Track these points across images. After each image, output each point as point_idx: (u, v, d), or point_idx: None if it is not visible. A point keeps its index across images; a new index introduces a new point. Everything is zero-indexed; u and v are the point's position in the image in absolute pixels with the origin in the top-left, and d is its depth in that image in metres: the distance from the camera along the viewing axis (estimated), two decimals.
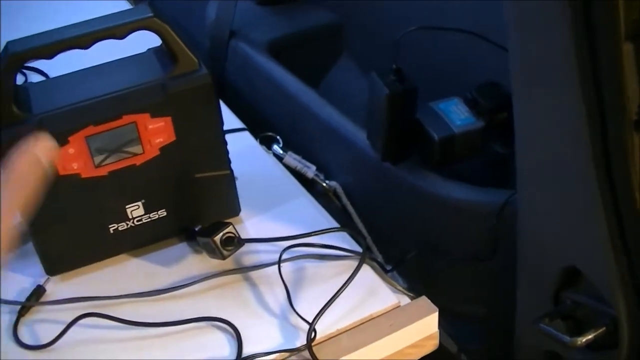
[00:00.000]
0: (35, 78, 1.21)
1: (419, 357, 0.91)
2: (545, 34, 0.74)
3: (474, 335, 1.20)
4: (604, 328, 0.80)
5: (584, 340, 0.79)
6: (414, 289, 0.93)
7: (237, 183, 0.99)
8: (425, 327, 0.89)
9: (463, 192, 1.11)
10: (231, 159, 0.97)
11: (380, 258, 1.00)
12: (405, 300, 0.91)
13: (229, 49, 1.55)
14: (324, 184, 1.28)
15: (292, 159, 1.28)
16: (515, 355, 0.96)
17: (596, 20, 0.69)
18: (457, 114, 1.10)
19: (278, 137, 1.31)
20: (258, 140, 1.18)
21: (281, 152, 1.29)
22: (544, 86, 0.77)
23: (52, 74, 1.17)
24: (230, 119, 1.14)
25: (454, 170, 1.14)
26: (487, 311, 1.15)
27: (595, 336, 0.79)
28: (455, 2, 1.27)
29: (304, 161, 1.29)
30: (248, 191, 1.01)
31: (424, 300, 0.90)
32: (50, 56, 0.86)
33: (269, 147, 1.28)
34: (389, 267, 0.97)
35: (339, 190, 1.27)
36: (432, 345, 0.91)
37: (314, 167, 1.28)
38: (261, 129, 1.27)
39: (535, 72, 0.78)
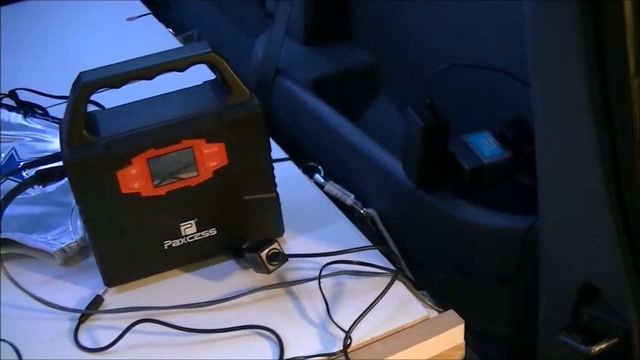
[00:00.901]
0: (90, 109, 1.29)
1: None
2: (561, 68, 0.81)
3: (500, 354, 1.25)
4: (617, 339, 0.86)
5: (597, 349, 0.85)
6: (443, 307, 0.99)
7: (282, 207, 1.05)
8: (453, 337, 0.95)
9: (491, 218, 1.17)
10: (277, 185, 1.03)
11: (412, 277, 1.07)
12: (434, 314, 0.97)
13: (275, 85, 1.63)
14: (362, 211, 1.34)
15: (332, 187, 1.35)
16: None
17: (608, 57, 0.76)
18: (487, 146, 1.16)
19: (319, 167, 1.38)
20: (301, 169, 1.25)
21: (322, 180, 1.36)
22: (560, 116, 0.84)
23: (107, 105, 1.25)
24: (275, 150, 1.18)
25: (484, 198, 1.21)
26: (512, 330, 1.21)
27: (608, 346, 0.86)
28: (486, 41, 1.33)
29: (343, 190, 1.36)
30: (291, 214, 1.07)
31: (451, 313, 0.96)
32: (118, 85, 0.94)
33: (311, 176, 1.35)
34: (420, 286, 1.03)
35: (376, 216, 1.34)
36: (458, 356, 0.97)
37: (352, 196, 1.35)
38: (304, 160, 1.34)
39: (553, 104, 0.85)
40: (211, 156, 0.97)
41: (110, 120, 0.98)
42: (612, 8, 0.74)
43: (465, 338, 0.97)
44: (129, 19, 1.72)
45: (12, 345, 0.95)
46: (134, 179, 0.96)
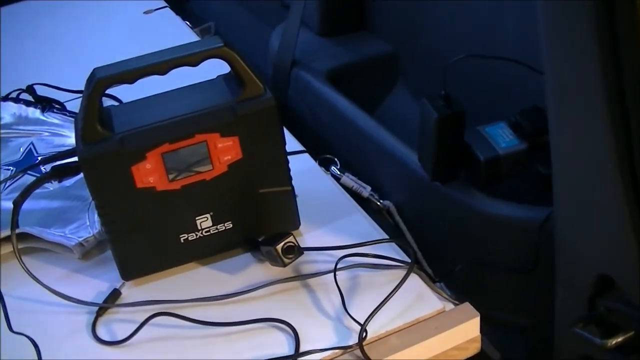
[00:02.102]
0: (107, 102, 1.29)
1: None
2: (575, 57, 0.80)
3: (518, 345, 1.25)
4: (633, 332, 0.85)
5: (614, 342, 0.85)
6: (460, 298, 0.99)
7: (297, 200, 1.05)
8: (468, 330, 0.95)
9: (507, 209, 1.17)
10: (292, 177, 1.04)
11: (428, 269, 1.07)
12: (450, 306, 0.97)
13: (291, 76, 1.63)
14: (378, 203, 1.34)
15: (348, 179, 1.35)
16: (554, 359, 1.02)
17: (621, 45, 0.75)
18: (502, 137, 1.16)
19: (336, 159, 1.38)
20: (317, 162, 1.25)
21: (338, 173, 1.36)
22: (574, 106, 0.84)
23: (124, 99, 1.26)
24: (291, 142, 1.20)
25: (500, 189, 1.20)
26: (530, 321, 1.20)
27: (625, 339, 0.85)
28: (504, 31, 1.33)
29: (359, 182, 1.36)
30: (307, 207, 1.08)
31: (467, 306, 0.96)
32: (132, 81, 0.94)
33: (327, 168, 1.35)
34: (437, 279, 1.03)
35: (392, 208, 1.34)
36: (474, 349, 0.97)
37: (369, 187, 1.35)
38: (320, 151, 1.34)
39: (567, 95, 0.85)
40: (225, 150, 0.98)
41: (124, 115, 0.99)
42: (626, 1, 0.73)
43: (482, 330, 0.97)
44: (146, 12, 1.73)
45: (30, 338, 0.96)
46: (149, 173, 0.96)
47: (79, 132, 0.95)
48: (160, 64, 0.95)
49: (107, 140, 0.95)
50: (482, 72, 1.33)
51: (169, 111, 0.97)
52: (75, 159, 0.97)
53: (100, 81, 0.93)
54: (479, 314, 0.95)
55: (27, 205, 1.03)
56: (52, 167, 1.03)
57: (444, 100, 1.15)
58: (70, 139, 1.26)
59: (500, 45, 1.32)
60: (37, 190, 1.04)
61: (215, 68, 1.00)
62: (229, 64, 0.97)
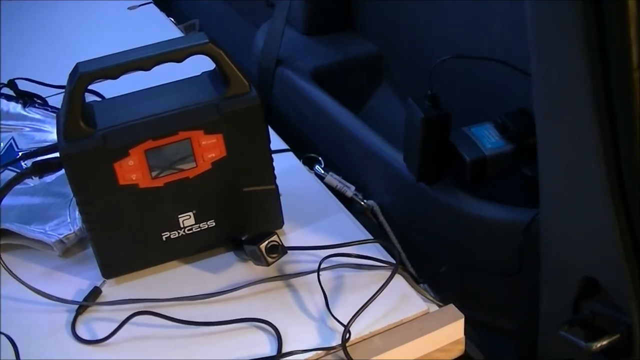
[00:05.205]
0: (90, 98, 1.29)
1: None
2: (563, 61, 0.80)
3: (502, 347, 1.25)
4: (618, 335, 0.85)
5: (598, 345, 0.84)
6: (444, 300, 0.98)
7: (281, 199, 1.05)
8: (452, 332, 0.94)
9: (492, 211, 1.17)
10: (276, 176, 1.03)
11: (412, 270, 1.06)
12: (434, 308, 0.96)
13: (276, 75, 1.63)
14: (362, 203, 1.34)
15: (332, 178, 1.35)
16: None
17: (610, 49, 0.75)
18: (488, 138, 1.16)
19: (320, 158, 1.38)
20: (301, 161, 1.24)
21: (322, 172, 1.36)
22: (562, 109, 0.84)
23: (107, 95, 1.26)
24: (275, 141, 1.19)
25: (486, 191, 1.20)
26: (515, 323, 1.20)
27: (609, 342, 0.85)
28: (490, 32, 1.32)
29: (343, 181, 1.35)
30: (291, 206, 1.07)
31: (451, 308, 0.96)
32: (116, 76, 0.93)
33: (311, 168, 1.35)
34: (421, 280, 1.03)
35: (376, 208, 1.33)
36: (458, 351, 0.96)
37: (353, 187, 1.35)
38: (304, 150, 1.34)
39: (554, 97, 0.84)
40: (209, 148, 0.97)
41: (107, 111, 0.98)
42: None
43: (467, 331, 0.97)
44: (130, 8, 1.72)
45: (8, 337, 0.95)
46: (132, 170, 0.95)
47: (60, 128, 0.94)
48: (144, 59, 0.94)
49: (90, 137, 0.94)
50: (469, 73, 1.33)
51: (153, 108, 0.97)
52: (57, 155, 0.96)
53: (83, 76, 0.92)
54: (463, 315, 0.95)
55: (7, 201, 1.02)
56: (33, 163, 1.01)
57: (429, 101, 1.15)
58: (52, 135, 1.24)
59: (487, 46, 1.32)
60: (18, 186, 1.03)
61: (199, 65, 0.99)
62: (214, 61, 0.97)
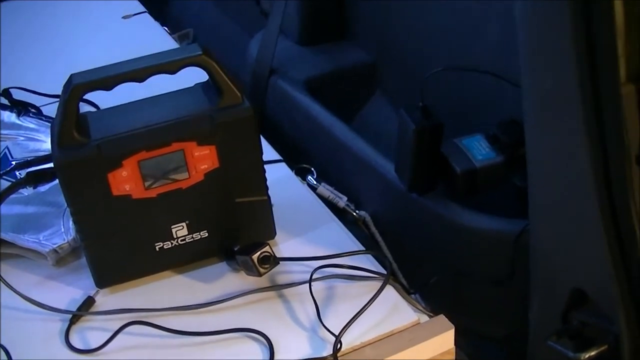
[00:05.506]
0: (85, 108, 1.28)
1: None
2: (553, 74, 0.81)
3: (494, 356, 1.26)
4: (606, 345, 0.86)
5: (587, 356, 0.85)
6: (435, 310, 0.99)
7: (274, 209, 1.05)
8: (443, 342, 0.95)
9: (483, 222, 1.17)
10: (269, 187, 1.04)
11: (403, 281, 1.07)
12: (424, 318, 0.97)
13: (269, 85, 1.63)
14: (354, 214, 1.34)
15: (325, 189, 1.35)
16: None
17: (599, 63, 0.76)
18: (479, 149, 1.17)
19: (312, 168, 1.38)
20: (294, 171, 1.25)
21: (315, 182, 1.36)
22: (552, 122, 0.84)
23: (101, 104, 1.26)
24: (268, 151, 1.20)
25: (477, 201, 1.21)
26: (505, 332, 1.21)
27: (598, 353, 0.85)
28: (484, 43, 1.33)
29: (336, 192, 1.36)
30: (283, 217, 1.08)
31: (441, 318, 0.96)
32: (110, 88, 0.94)
33: (304, 178, 1.35)
34: (412, 290, 1.03)
35: (368, 219, 1.34)
36: None
37: (345, 198, 1.35)
38: (297, 160, 1.34)
39: (543, 109, 0.85)
40: (202, 159, 0.98)
41: (101, 121, 0.99)
42: (603, 14, 0.74)
43: (457, 341, 0.97)
44: (125, 17, 1.72)
45: (2, 346, 0.95)
46: (125, 181, 0.96)
47: (55, 138, 0.95)
48: (138, 71, 0.95)
49: (84, 147, 0.94)
50: (460, 84, 1.33)
51: (147, 119, 0.97)
52: (51, 164, 0.96)
53: (78, 87, 0.93)
54: (453, 326, 0.95)
55: (1, 210, 1.02)
56: (27, 173, 1.02)
57: (421, 112, 1.15)
58: (46, 144, 1.25)
59: (480, 58, 1.33)
60: (12, 196, 1.04)
61: (193, 75, 1.00)
62: (208, 73, 0.97)
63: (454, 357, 0.98)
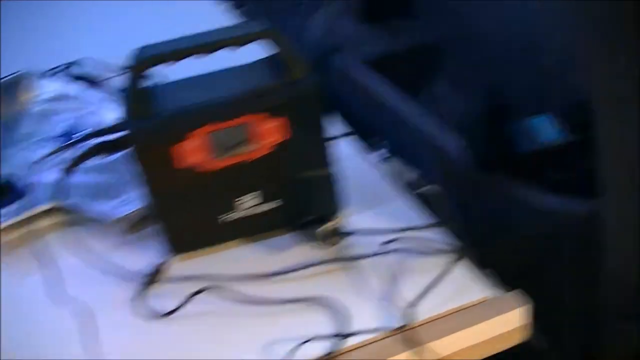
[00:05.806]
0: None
1: (509, 347, 0.95)
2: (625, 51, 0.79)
3: (564, 336, 1.24)
4: None
5: None
6: (506, 287, 0.97)
7: (342, 183, 1.05)
8: (516, 318, 0.94)
9: (551, 202, 1.15)
10: (338, 160, 1.04)
11: (475, 256, 1.06)
12: (498, 293, 0.96)
13: (332, 63, 1.62)
14: (423, 189, 1.33)
15: (393, 164, 1.34)
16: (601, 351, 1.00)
17: None
18: (547, 130, 1.15)
19: (383, 142, 1.37)
20: (363, 145, 1.25)
21: (383, 157, 1.35)
22: (623, 106, 0.82)
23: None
24: (337, 126, 1.21)
25: (546, 182, 1.19)
26: (576, 313, 1.19)
27: None
28: (548, 25, 1.31)
29: (404, 167, 1.35)
30: (353, 191, 1.08)
31: (516, 294, 0.95)
32: (177, 60, 0.94)
33: (372, 152, 1.34)
34: (484, 267, 1.02)
35: (437, 195, 1.33)
36: (522, 336, 0.95)
37: (414, 173, 1.34)
38: (364, 136, 1.33)
39: (616, 89, 0.83)
40: (271, 131, 0.98)
41: (170, 94, 0.99)
42: None
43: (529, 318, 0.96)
44: None
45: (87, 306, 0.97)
46: (194, 152, 0.97)
47: (124, 110, 0.96)
48: (206, 45, 0.95)
49: (153, 119, 0.95)
50: (527, 64, 1.31)
51: (215, 91, 0.98)
52: (121, 134, 0.98)
53: (146, 60, 0.94)
54: (528, 301, 0.94)
55: (74, 178, 1.03)
56: (98, 143, 1.03)
57: (490, 91, 1.14)
58: (110, 117, 1.26)
59: (546, 40, 1.30)
60: (81, 165, 1.05)
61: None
62: (278, 46, 0.97)
63: (527, 332, 0.96)
